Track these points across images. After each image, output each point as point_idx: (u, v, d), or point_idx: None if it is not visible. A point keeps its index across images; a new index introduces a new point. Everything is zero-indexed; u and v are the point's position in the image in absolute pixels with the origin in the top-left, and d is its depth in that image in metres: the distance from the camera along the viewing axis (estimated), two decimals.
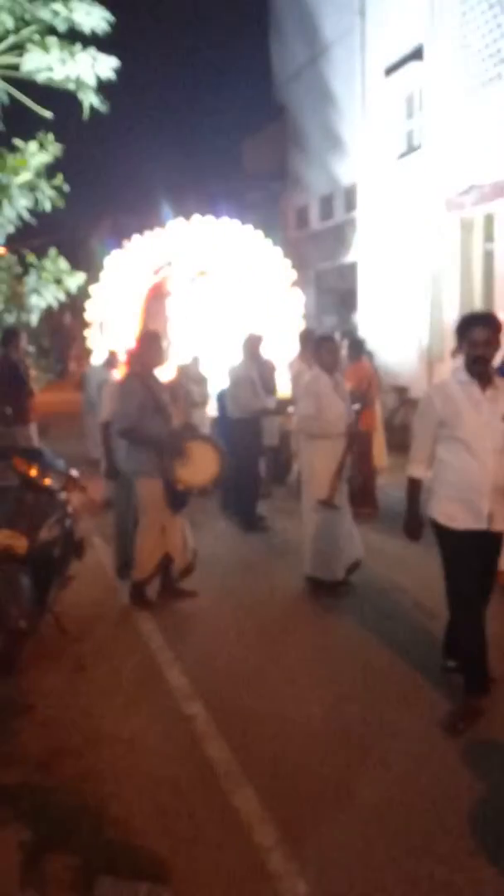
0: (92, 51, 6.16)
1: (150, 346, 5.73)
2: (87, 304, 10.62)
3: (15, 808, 3.27)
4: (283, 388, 10.32)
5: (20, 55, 6.08)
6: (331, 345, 6.11)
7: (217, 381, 9.96)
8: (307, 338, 8.89)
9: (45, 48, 5.95)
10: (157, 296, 10.99)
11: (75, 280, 6.06)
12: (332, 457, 5.64)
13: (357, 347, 8.62)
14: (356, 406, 6.21)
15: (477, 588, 3.98)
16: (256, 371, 7.91)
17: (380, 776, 3.52)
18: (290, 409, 7.31)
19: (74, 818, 3.23)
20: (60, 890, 2.78)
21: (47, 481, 5.35)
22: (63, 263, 6.02)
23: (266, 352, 8.64)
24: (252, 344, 8.07)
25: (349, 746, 3.78)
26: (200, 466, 5.46)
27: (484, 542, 3.94)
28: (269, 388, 8.37)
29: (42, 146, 6.04)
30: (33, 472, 5.26)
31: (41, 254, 6.12)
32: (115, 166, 13.78)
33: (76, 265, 6.18)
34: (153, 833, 3.14)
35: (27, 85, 6.26)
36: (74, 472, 6.02)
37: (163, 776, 3.57)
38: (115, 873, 2.84)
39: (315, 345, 6.53)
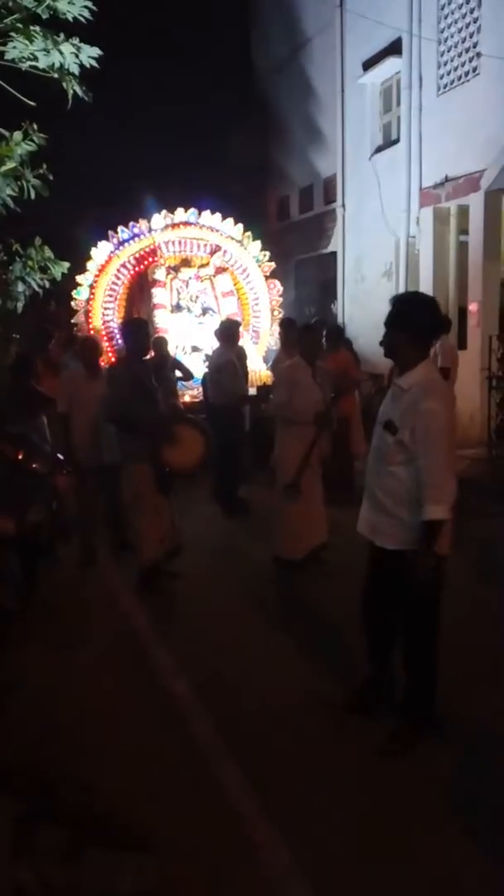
0: (75, 40, 6.18)
1: (136, 333, 5.81)
2: (73, 293, 10.66)
3: (5, 785, 3.32)
4: (265, 374, 10.50)
5: (3, 44, 6.11)
6: (314, 334, 6.24)
7: (197, 369, 10.11)
8: (288, 327, 9.02)
9: (29, 37, 5.97)
10: (141, 285, 11.04)
11: (60, 268, 6.11)
12: (303, 443, 5.69)
13: (336, 336, 8.78)
14: (333, 395, 6.32)
15: None
16: (234, 357, 8.03)
17: (360, 749, 3.61)
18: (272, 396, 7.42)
19: (63, 793, 3.29)
20: (51, 863, 2.80)
21: (34, 465, 5.43)
22: (48, 252, 6.07)
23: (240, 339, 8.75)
24: (231, 330, 8.18)
25: (330, 720, 3.86)
26: (187, 449, 5.55)
27: None
28: (243, 374, 8.49)
29: (27, 135, 6.07)
30: (20, 456, 5.35)
31: (26, 242, 6.16)
32: (98, 157, 13.82)
33: (61, 254, 6.23)
34: (140, 806, 3.21)
35: (10, 73, 6.28)
36: (61, 457, 6.12)
37: (149, 751, 3.65)
38: (104, 846, 2.90)
39: (298, 334, 6.66)
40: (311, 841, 3.02)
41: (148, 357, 6.24)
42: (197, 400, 9.77)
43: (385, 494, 3.55)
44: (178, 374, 9.58)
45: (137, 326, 5.99)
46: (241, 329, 8.84)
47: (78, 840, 2.92)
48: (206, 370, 8.74)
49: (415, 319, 3.49)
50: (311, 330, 6.43)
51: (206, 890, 2.80)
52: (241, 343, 8.86)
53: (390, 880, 2.81)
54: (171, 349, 9.98)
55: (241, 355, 8.57)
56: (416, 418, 3.36)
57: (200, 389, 9.46)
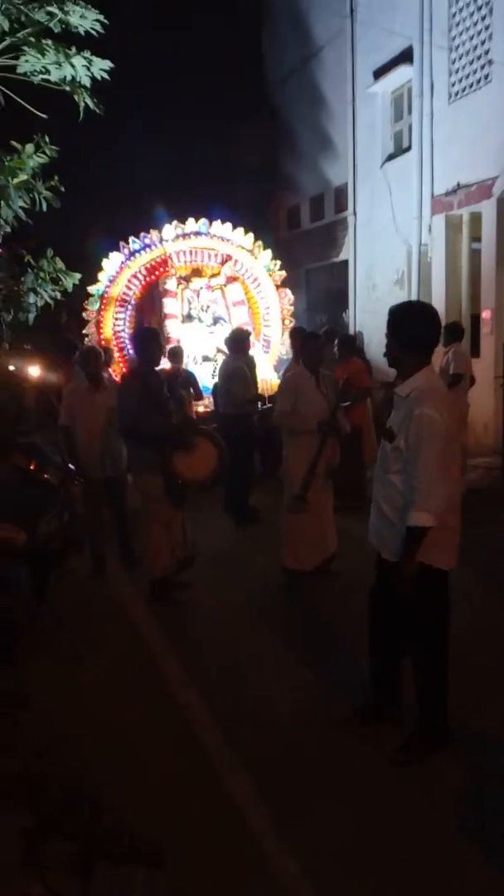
0: (87, 53, 6.22)
1: (148, 343, 5.81)
2: (85, 304, 10.71)
3: (13, 796, 3.28)
4: (275, 383, 10.49)
5: (16, 57, 6.15)
6: (316, 342, 6.22)
7: (207, 379, 10.12)
8: (296, 336, 9.02)
9: (42, 51, 6.02)
10: (152, 296, 11.08)
11: (72, 279, 6.12)
12: (309, 453, 5.63)
13: (347, 345, 8.76)
14: (346, 403, 6.30)
15: None
16: (244, 366, 8.04)
17: (371, 760, 3.59)
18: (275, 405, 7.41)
19: (72, 805, 3.24)
20: (59, 876, 2.77)
21: (46, 476, 5.45)
22: (60, 263, 6.08)
23: (251, 348, 8.76)
24: (240, 339, 8.18)
25: (340, 731, 3.85)
26: (200, 461, 5.51)
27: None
28: (253, 383, 8.49)
29: (39, 147, 6.11)
30: (32, 467, 5.37)
31: (38, 254, 6.19)
32: (108, 167, 13.85)
33: (72, 265, 6.25)
34: (149, 819, 3.20)
35: (23, 86, 6.33)
36: (72, 467, 6.13)
37: (158, 763, 3.65)
38: (114, 858, 2.87)
39: (301, 342, 6.65)
40: (320, 851, 3.01)
41: (160, 368, 6.23)
42: (209, 410, 9.77)
43: (386, 503, 3.55)
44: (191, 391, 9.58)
45: (149, 336, 6.00)
46: (251, 338, 8.85)
47: (87, 852, 2.90)
48: (215, 380, 8.74)
49: (409, 329, 3.51)
50: (313, 338, 6.41)
51: None
52: (252, 352, 8.87)
53: (399, 891, 2.81)
54: (185, 359, 10.01)
55: (251, 364, 8.58)
56: (410, 424, 3.36)
57: (211, 399, 9.47)
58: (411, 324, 3.52)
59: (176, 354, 9.48)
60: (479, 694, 4.14)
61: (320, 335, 7.36)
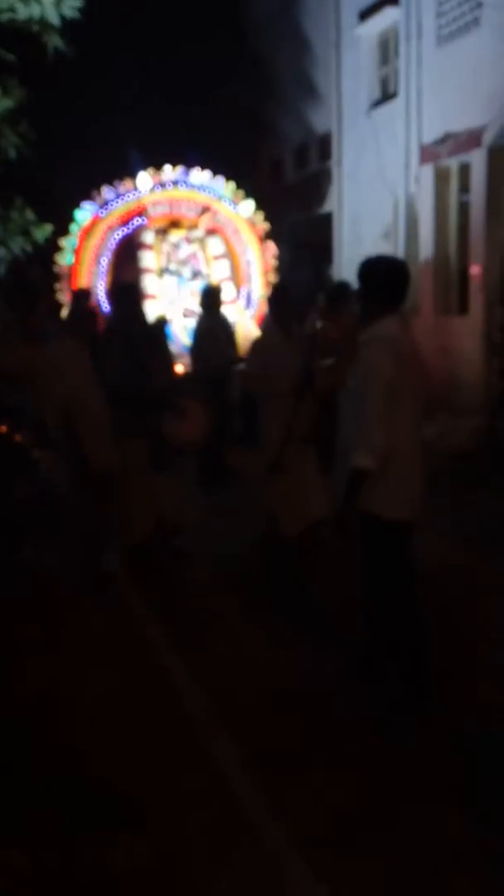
0: None
1: (129, 297, 5.54)
2: (57, 258, 10.35)
3: None
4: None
5: None
6: (281, 293, 5.90)
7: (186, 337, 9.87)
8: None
9: None
10: (128, 248, 10.75)
11: (42, 231, 5.87)
12: (282, 417, 5.20)
13: (337, 297, 8.30)
14: (328, 361, 6.01)
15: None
16: (219, 324, 7.80)
17: (357, 727, 3.56)
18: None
19: (55, 773, 3.27)
20: (44, 845, 2.81)
21: (18, 438, 5.25)
22: (30, 214, 5.82)
23: (229, 306, 8.49)
24: (211, 297, 7.91)
25: (326, 699, 3.81)
26: (191, 423, 5.36)
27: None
28: (228, 341, 8.23)
29: (6, 91, 5.81)
30: (2, 429, 5.17)
31: (7, 204, 5.91)
32: (82, 114, 13.29)
33: (44, 216, 5.98)
34: (133, 785, 3.19)
35: None
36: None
37: (142, 728, 3.63)
38: (97, 826, 2.91)
39: (272, 296, 6.30)
40: (307, 819, 2.99)
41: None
42: (188, 371, 9.53)
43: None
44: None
45: (127, 291, 5.73)
46: (234, 294, 8.58)
47: (70, 821, 2.94)
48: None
49: (373, 281, 3.64)
50: (280, 290, 6.12)
51: (202, 866, 2.77)
52: (233, 308, 8.62)
53: (389, 855, 2.78)
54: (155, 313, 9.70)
55: (225, 324, 8.31)
56: (359, 367, 3.47)
57: (190, 359, 9.22)
58: (375, 276, 3.64)
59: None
60: (467, 658, 4.12)
61: (287, 287, 6.98)
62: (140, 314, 5.78)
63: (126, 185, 10.49)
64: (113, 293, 6.77)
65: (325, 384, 5.55)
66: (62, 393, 4.93)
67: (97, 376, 5.29)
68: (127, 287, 6.29)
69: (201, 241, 10.95)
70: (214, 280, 10.39)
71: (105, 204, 10.42)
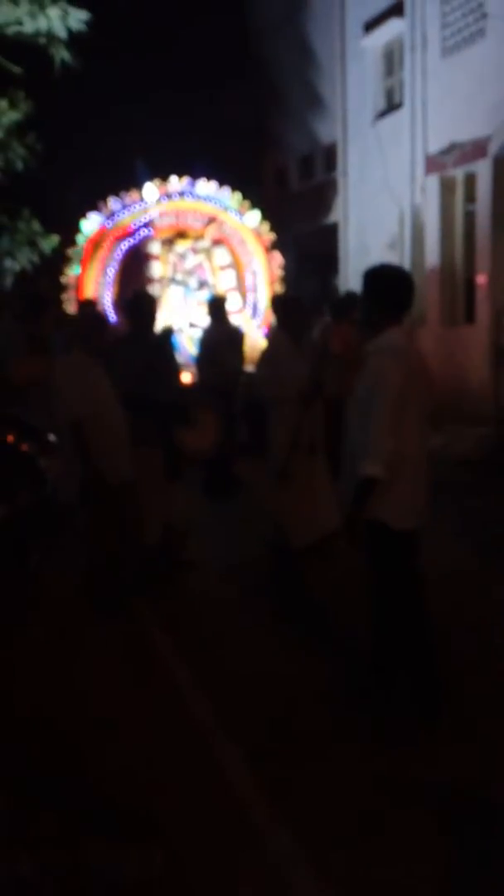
0: (62, 4, 5.96)
1: (142, 307, 5.53)
2: (66, 269, 10.40)
3: (3, 770, 3.30)
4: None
5: None
6: (294, 304, 5.92)
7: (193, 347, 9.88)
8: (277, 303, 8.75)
9: (15, 0, 5.75)
10: (135, 258, 10.80)
11: (49, 242, 5.91)
12: (290, 424, 5.17)
13: (341, 308, 8.36)
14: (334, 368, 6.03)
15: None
16: (225, 334, 7.82)
17: (365, 733, 3.53)
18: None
19: (63, 779, 3.25)
20: (51, 852, 2.80)
21: (24, 447, 5.28)
22: (36, 225, 5.86)
23: (235, 315, 8.51)
24: (216, 307, 7.93)
25: (331, 704, 3.80)
26: (203, 432, 5.37)
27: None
28: (236, 351, 8.24)
29: (13, 103, 5.86)
30: (10, 439, 5.19)
31: (14, 215, 5.95)
32: (88, 125, 13.37)
33: (50, 227, 6.02)
34: (140, 792, 3.17)
35: None
36: (52, 438, 5.92)
37: (149, 735, 3.61)
38: (103, 832, 2.89)
39: (280, 306, 6.31)
40: (313, 824, 2.98)
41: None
42: (195, 380, 9.55)
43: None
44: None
45: (143, 300, 5.74)
46: (240, 304, 8.61)
47: (78, 828, 2.91)
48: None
49: (378, 289, 3.62)
50: (290, 300, 6.13)
51: (211, 876, 2.75)
52: (241, 318, 8.65)
53: (393, 864, 2.76)
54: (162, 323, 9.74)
55: (233, 334, 8.32)
56: (367, 376, 3.47)
57: (196, 369, 9.24)
58: (379, 285, 3.62)
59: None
60: (474, 664, 4.11)
61: (299, 298, 7.03)
62: (153, 323, 5.78)
63: (132, 195, 10.53)
64: (130, 301, 6.64)
65: (331, 392, 5.58)
66: (75, 408, 4.70)
67: (113, 386, 5.07)
68: (144, 295, 6.29)
69: (207, 252, 10.98)
70: (220, 290, 10.41)
71: (112, 215, 10.45)
